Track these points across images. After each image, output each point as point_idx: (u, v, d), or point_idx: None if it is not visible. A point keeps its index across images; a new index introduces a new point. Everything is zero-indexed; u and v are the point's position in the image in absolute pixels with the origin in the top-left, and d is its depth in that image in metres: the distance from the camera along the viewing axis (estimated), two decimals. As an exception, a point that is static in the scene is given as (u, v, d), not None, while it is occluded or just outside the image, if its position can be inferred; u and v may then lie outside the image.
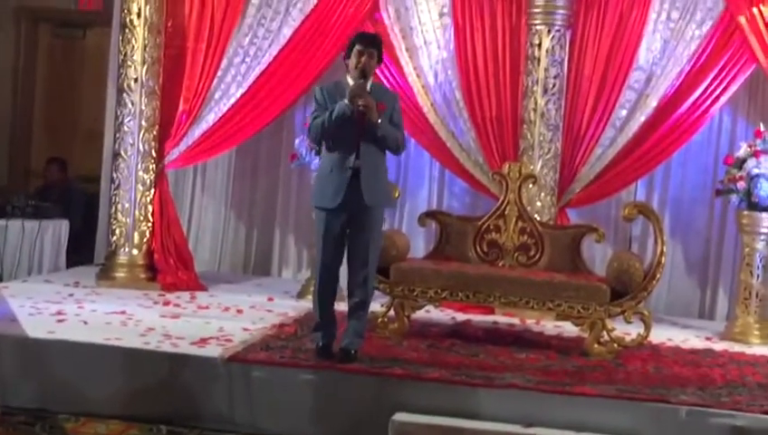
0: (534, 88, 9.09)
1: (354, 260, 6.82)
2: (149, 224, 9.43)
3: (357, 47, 6.74)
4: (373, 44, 6.81)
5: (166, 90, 9.47)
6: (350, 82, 6.73)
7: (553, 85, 9.11)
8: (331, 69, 9.68)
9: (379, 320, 7.78)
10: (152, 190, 9.43)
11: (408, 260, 8.09)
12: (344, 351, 6.76)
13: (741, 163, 8.71)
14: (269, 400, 6.50)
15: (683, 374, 7.05)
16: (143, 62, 9.29)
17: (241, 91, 9.50)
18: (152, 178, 9.42)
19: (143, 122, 9.32)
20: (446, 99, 9.45)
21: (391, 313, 7.80)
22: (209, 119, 9.49)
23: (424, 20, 9.47)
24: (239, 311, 8.44)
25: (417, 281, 7.70)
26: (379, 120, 6.62)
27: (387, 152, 6.85)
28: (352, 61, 6.74)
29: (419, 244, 9.76)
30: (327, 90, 6.86)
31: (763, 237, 8.70)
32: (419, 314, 8.07)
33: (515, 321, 8.67)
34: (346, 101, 6.57)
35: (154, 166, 9.43)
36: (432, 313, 8.53)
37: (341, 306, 7.03)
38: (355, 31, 9.28)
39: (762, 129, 8.89)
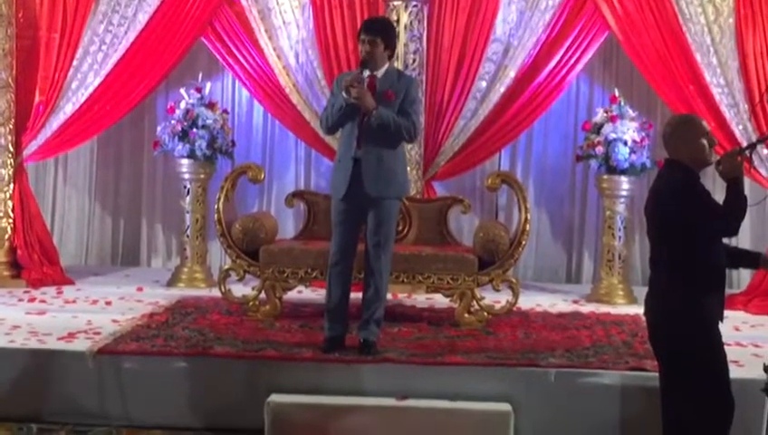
0: (395, 64, 9.10)
1: (366, 251, 6.69)
2: (10, 220, 9.21)
3: (361, 36, 6.60)
4: (377, 31, 6.61)
5: (20, 82, 9.24)
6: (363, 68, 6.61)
7: (413, 60, 9.17)
8: (190, 54, 9.62)
9: (251, 303, 7.75)
10: (11, 185, 9.20)
11: (277, 242, 8.07)
12: (365, 342, 6.62)
13: (598, 128, 8.94)
14: (142, 390, 6.41)
15: (551, 338, 7.21)
16: (-6, 55, 9.06)
17: (99, 79, 9.33)
18: (10, 172, 9.18)
19: (-2, 116, 9.10)
20: (308, 79, 9.43)
21: (263, 295, 7.76)
22: (67, 109, 9.29)
23: (281, 0, 9.41)
24: (108, 303, 8.30)
25: (286, 262, 7.69)
26: (377, 109, 6.46)
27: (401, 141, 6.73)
28: (360, 49, 6.60)
29: (288, 225, 9.74)
30: (340, 78, 6.69)
31: (622, 200, 8.95)
32: (291, 295, 8.07)
33: (387, 296, 8.71)
34: (343, 93, 6.46)
35: (12, 160, 9.19)
36: (304, 293, 8.53)
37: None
38: (214, 13, 9.36)
39: (617, 94, 9.14)
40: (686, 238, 4.81)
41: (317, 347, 6.69)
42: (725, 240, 5.03)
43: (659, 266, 4.99)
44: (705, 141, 4.95)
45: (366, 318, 6.70)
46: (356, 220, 6.66)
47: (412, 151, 9.12)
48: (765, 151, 8.68)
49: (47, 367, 6.48)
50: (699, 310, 4.83)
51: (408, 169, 8.96)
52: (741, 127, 8.84)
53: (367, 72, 6.54)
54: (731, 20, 8.88)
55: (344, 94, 6.46)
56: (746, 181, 5.06)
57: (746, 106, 8.81)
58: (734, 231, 4.86)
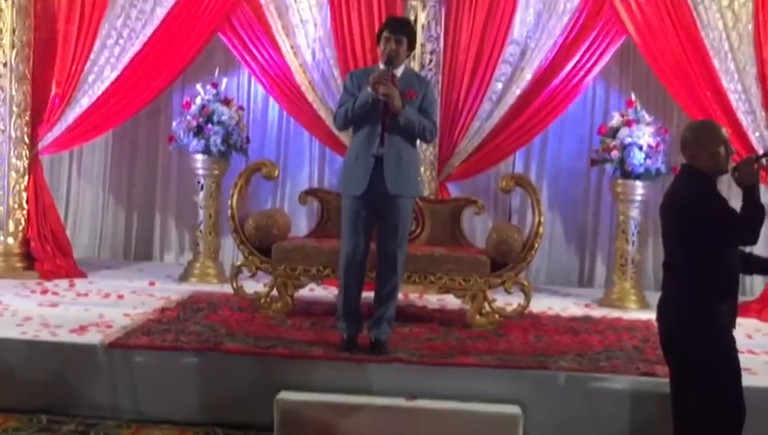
0: (411, 63, 9.08)
1: (381, 249, 6.67)
2: (24, 211, 9.24)
3: (385, 33, 6.56)
4: (403, 30, 6.63)
5: (37, 74, 9.27)
6: (380, 65, 6.57)
7: (430, 60, 9.17)
8: (206, 51, 9.63)
9: (262, 300, 7.75)
10: (26, 177, 9.23)
11: (290, 239, 8.07)
12: (376, 342, 6.63)
13: (614, 133, 8.92)
14: (152, 385, 6.43)
15: (563, 342, 7.20)
16: (12, 46, 9.06)
17: (115, 73, 9.33)
18: (26, 164, 9.22)
19: (14, 108, 9.10)
20: (325, 77, 9.42)
21: (274, 292, 7.75)
22: (83, 102, 9.31)
23: (300, -2, 9.43)
24: (120, 296, 8.32)
25: (299, 259, 7.69)
26: (403, 108, 6.45)
27: (417, 140, 6.77)
28: (382, 47, 6.56)
29: (301, 222, 9.76)
30: (357, 76, 6.70)
31: (637, 205, 8.92)
32: (303, 293, 8.07)
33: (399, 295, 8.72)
34: (369, 88, 6.43)
35: (27, 152, 9.22)
36: (316, 291, 8.53)
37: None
38: (231, 9, 9.35)
39: (633, 99, 9.12)
40: (701, 245, 4.78)
41: (328, 345, 6.70)
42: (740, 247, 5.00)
43: (673, 271, 4.97)
44: (723, 149, 4.92)
45: (378, 317, 6.70)
46: (371, 219, 6.64)
47: (427, 152, 9.12)
48: (781, 159, 8.63)
49: (59, 359, 6.50)
50: (711, 316, 4.80)
51: (423, 169, 9.05)
52: (757, 134, 8.80)
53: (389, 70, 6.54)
54: (750, 26, 8.84)
55: (370, 90, 6.42)
56: (763, 189, 5.04)
57: (763, 113, 8.78)
58: (751, 240, 4.82)
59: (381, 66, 6.57)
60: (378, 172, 6.52)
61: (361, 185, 6.53)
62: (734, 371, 4.86)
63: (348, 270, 6.68)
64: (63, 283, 8.86)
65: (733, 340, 4.88)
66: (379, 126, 6.50)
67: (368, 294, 6.82)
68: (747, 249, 5.09)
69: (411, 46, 6.74)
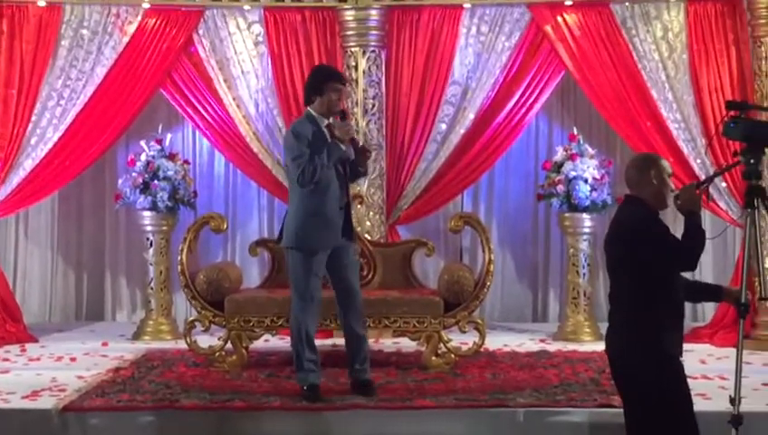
0: (354, 109, 9.17)
1: (347, 289, 6.76)
2: (-29, 279, 9.12)
3: (334, 84, 6.59)
4: (344, 81, 6.86)
5: (-22, 139, 9.20)
6: (317, 116, 6.58)
7: (373, 105, 9.23)
8: (148, 107, 9.61)
9: (217, 353, 7.70)
10: (-29, 244, 9.14)
11: (242, 291, 8.04)
12: (369, 383, 6.71)
13: (559, 167, 9.02)
14: (109, 447, 6.36)
15: (519, 378, 7.22)
16: (-48, 113, 9.01)
17: (58, 134, 9.29)
18: (-30, 231, 9.13)
19: (-43, 174, 9.04)
20: (269, 127, 9.44)
21: (229, 345, 7.71)
22: (26, 165, 9.24)
23: (240, 50, 9.46)
24: (72, 359, 8.22)
25: (252, 311, 7.66)
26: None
27: None
28: (330, 98, 6.56)
29: (253, 274, 9.72)
30: (302, 129, 6.57)
31: (585, 237, 9.01)
32: (258, 344, 8.02)
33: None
34: (340, 144, 6.48)
35: (-28, 218, 9.14)
36: (271, 341, 8.48)
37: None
38: (172, 65, 9.35)
39: (576, 132, 9.22)
40: (645, 274, 4.81)
41: (285, 395, 6.67)
42: (688, 275, 5.04)
43: (619, 301, 4.98)
44: (668, 181, 4.95)
45: (363, 357, 6.79)
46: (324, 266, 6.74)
47: (375, 196, 9.16)
48: (723, 184, 8.75)
49: (12, 427, 6.39)
50: (658, 345, 4.81)
51: (371, 213, 9.09)
52: (699, 161, 8.92)
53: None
54: (684, 56, 9.00)
55: (341, 146, 6.49)
56: (706, 215, 5.09)
57: (703, 140, 8.91)
58: (692, 265, 4.87)
59: (338, 118, 6.63)
60: (347, 221, 6.69)
61: (337, 238, 6.62)
62: (686, 398, 4.87)
63: (310, 318, 6.68)
64: (14, 348, 8.73)
65: (681, 367, 4.91)
66: (342, 178, 6.63)
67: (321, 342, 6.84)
68: (696, 276, 5.13)
69: None
